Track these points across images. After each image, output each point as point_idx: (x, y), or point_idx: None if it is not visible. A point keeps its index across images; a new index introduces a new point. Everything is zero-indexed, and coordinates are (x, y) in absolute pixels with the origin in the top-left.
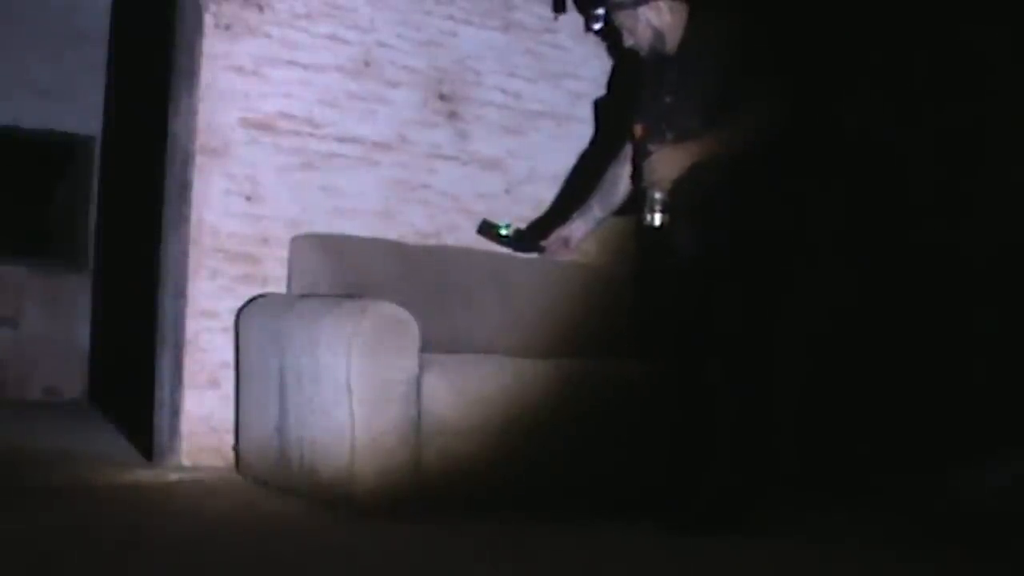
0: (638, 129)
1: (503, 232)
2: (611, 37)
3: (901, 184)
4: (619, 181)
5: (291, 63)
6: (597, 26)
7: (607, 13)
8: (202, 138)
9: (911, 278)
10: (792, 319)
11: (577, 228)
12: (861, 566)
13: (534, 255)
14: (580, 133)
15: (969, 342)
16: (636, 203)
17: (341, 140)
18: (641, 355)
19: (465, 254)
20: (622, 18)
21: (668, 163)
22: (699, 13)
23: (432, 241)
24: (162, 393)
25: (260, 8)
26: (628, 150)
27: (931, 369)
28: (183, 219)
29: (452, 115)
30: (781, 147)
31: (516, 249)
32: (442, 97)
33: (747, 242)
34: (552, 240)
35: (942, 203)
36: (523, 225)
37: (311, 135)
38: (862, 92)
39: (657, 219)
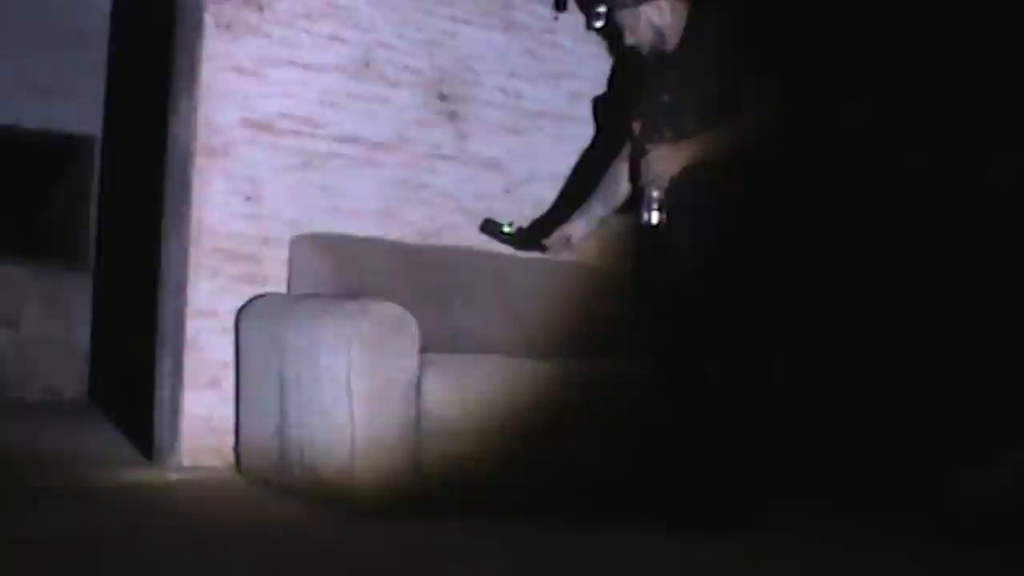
0: (636, 127)
1: (505, 230)
2: (612, 36)
3: (900, 184)
4: (620, 179)
5: (291, 63)
6: (599, 24)
7: (608, 11)
8: (202, 138)
9: (911, 278)
10: (792, 319)
11: (578, 227)
12: (864, 565)
13: (535, 254)
14: (580, 133)
15: (971, 341)
16: (635, 202)
17: (341, 140)
18: (641, 355)
19: (465, 254)
20: (623, 17)
21: (665, 162)
22: (700, 12)
23: (432, 241)
24: (162, 393)
25: (260, 8)
26: (628, 148)
27: (934, 368)
28: (183, 219)
29: (452, 115)
30: (780, 146)
31: (518, 247)
32: (442, 97)
33: (745, 242)
34: (554, 239)
35: (942, 203)
36: (524, 225)
37: (311, 135)
38: (862, 92)
39: (654, 218)
